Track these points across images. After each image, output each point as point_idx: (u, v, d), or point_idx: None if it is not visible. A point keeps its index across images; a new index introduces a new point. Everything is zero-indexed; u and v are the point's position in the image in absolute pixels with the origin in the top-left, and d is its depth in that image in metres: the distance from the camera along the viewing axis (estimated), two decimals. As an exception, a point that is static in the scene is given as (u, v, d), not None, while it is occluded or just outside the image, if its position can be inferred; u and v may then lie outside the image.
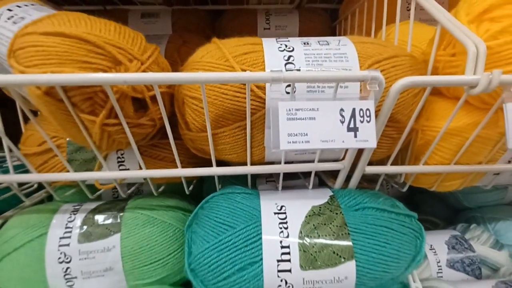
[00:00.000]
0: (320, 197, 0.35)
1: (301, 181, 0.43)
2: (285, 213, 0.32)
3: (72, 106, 0.25)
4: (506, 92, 0.27)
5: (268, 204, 0.33)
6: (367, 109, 0.26)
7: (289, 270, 0.29)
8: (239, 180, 0.43)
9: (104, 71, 0.25)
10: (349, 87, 0.28)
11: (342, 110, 0.25)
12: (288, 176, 0.45)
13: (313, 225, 0.31)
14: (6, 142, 0.32)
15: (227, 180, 0.46)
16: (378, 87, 0.25)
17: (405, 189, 0.41)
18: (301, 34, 0.67)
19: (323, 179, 0.43)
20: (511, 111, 0.26)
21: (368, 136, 0.25)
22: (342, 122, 0.25)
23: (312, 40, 0.31)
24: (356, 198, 0.35)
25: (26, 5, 0.32)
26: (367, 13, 0.50)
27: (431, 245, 0.50)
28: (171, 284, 0.41)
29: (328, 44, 0.30)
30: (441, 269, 0.47)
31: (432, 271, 0.47)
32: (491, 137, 0.32)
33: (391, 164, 0.36)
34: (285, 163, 0.33)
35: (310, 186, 0.38)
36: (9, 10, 0.31)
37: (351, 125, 0.25)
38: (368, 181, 0.49)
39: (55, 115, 0.27)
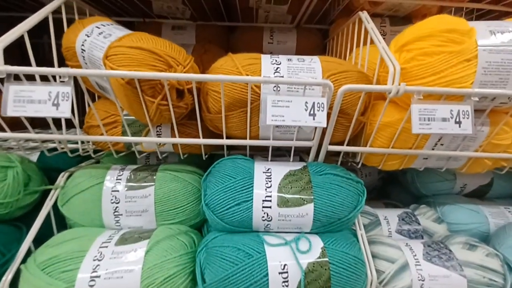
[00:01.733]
0: (297, 166, 0.51)
1: (287, 158, 0.58)
2: (270, 172, 0.47)
3: (141, 91, 0.42)
4: (412, 98, 0.42)
5: (260, 166, 0.49)
6: (322, 103, 0.41)
7: (270, 207, 0.44)
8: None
9: (163, 71, 0.42)
10: (314, 89, 0.44)
11: (306, 102, 0.41)
12: (278, 156, 0.61)
13: (289, 181, 0.47)
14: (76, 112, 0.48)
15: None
16: (328, 90, 0.41)
17: (359, 166, 0.56)
18: (298, 48, 0.83)
19: (303, 158, 0.58)
20: (415, 109, 0.42)
21: (321, 119, 0.41)
22: (306, 110, 0.41)
23: (294, 57, 0.47)
24: (321, 167, 0.50)
25: (108, 25, 0.49)
26: (346, 36, 0.66)
27: (385, 216, 0.65)
28: (188, 225, 0.56)
29: (304, 61, 0.47)
30: (391, 233, 0.62)
31: (383, 234, 0.61)
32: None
33: (347, 145, 0.51)
34: (275, 140, 0.49)
35: (291, 159, 0.53)
36: (97, 27, 0.48)
37: (312, 112, 0.41)
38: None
39: (129, 97, 0.43)
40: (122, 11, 0.82)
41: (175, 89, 0.44)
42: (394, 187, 0.89)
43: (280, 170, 0.48)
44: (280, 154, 0.61)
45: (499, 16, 0.71)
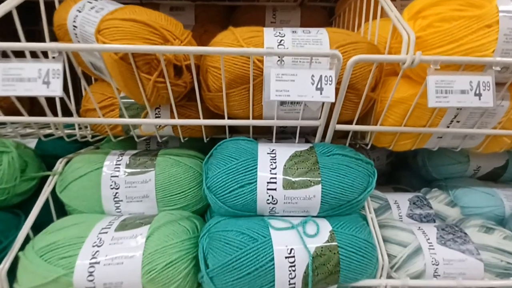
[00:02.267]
0: (303, 146, 0.48)
1: (292, 141, 0.55)
2: (275, 154, 0.45)
3: (136, 68, 0.39)
4: (428, 69, 0.39)
5: (264, 147, 0.46)
6: (330, 76, 0.38)
7: (275, 189, 0.42)
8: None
9: (158, 45, 0.39)
10: (321, 62, 0.41)
11: (313, 76, 0.38)
12: (283, 138, 0.58)
13: (294, 162, 0.44)
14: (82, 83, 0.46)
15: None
16: (337, 61, 0.38)
17: (368, 147, 0.53)
18: (302, 27, 0.79)
19: (309, 140, 0.56)
20: (431, 81, 0.39)
21: (329, 94, 0.38)
22: (313, 84, 0.38)
23: (299, 29, 0.44)
24: (328, 148, 0.47)
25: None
26: (353, 11, 0.62)
27: (395, 200, 0.62)
28: (190, 211, 0.54)
29: (309, 32, 0.43)
30: (401, 218, 0.59)
31: (395, 218, 0.59)
32: (427, 104, 0.44)
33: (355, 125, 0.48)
34: (279, 120, 0.46)
35: (296, 140, 0.51)
36: (89, 2, 0.46)
37: (319, 86, 0.38)
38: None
39: (123, 74, 0.40)
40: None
41: (172, 65, 0.41)
42: (404, 172, 0.86)
43: (285, 151, 0.46)
44: (284, 137, 0.58)
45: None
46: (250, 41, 0.42)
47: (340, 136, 0.58)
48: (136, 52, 0.37)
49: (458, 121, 0.47)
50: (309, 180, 0.42)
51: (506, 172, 0.71)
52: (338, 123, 0.47)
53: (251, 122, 0.46)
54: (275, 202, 0.42)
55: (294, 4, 0.81)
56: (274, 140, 0.50)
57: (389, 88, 0.47)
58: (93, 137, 0.61)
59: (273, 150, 0.45)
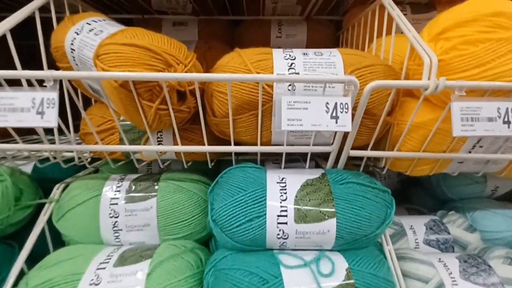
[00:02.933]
0: (314, 173, 0.45)
1: (301, 164, 0.52)
2: (285, 182, 0.42)
3: (137, 95, 0.37)
4: (452, 94, 0.36)
5: (273, 176, 0.43)
6: (346, 103, 0.35)
7: (286, 223, 0.39)
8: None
9: (161, 71, 0.36)
10: (335, 88, 0.38)
11: (327, 103, 0.35)
12: (291, 160, 0.55)
13: (306, 192, 0.41)
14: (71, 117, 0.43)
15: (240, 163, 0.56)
16: (353, 87, 0.35)
17: (384, 172, 0.50)
18: (309, 41, 0.77)
19: (319, 163, 0.53)
20: (456, 108, 0.36)
21: (345, 123, 0.35)
22: (327, 112, 0.35)
23: (310, 51, 0.41)
24: (342, 175, 0.44)
25: (100, 21, 0.44)
26: (364, 26, 0.59)
27: (411, 226, 0.58)
28: (194, 240, 0.51)
29: (322, 54, 0.40)
30: (418, 245, 0.56)
31: (410, 246, 0.55)
32: (449, 129, 0.41)
33: (371, 150, 0.45)
34: (289, 145, 0.44)
35: (307, 166, 0.48)
36: (88, 24, 0.43)
37: (334, 114, 0.35)
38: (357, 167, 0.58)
39: (123, 101, 0.38)
40: (119, 7, 0.77)
41: (175, 91, 0.38)
42: (416, 190, 0.82)
43: (295, 179, 0.43)
44: (293, 159, 0.55)
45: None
46: (258, 64, 0.39)
47: (352, 157, 0.55)
48: (137, 79, 0.34)
49: (481, 146, 0.44)
50: (322, 212, 0.39)
51: (525, 192, 0.67)
52: (352, 148, 0.45)
53: (259, 148, 0.43)
54: (286, 237, 0.39)
55: (300, 18, 0.79)
56: (283, 166, 0.47)
57: (406, 111, 0.44)
58: (92, 161, 0.58)
59: (282, 179, 0.42)
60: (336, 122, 0.35)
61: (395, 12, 0.45)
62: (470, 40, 0.36)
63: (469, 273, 0.45)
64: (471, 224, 0.60)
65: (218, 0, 0.72)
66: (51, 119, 0.34)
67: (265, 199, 0.40)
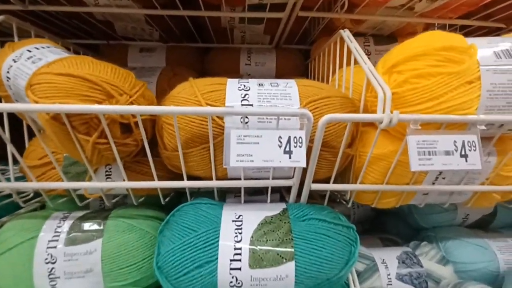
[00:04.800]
0: (275, 209, 0.42)
1: (264, 197, 0.49)
2: (241, 221, 0.38)
3: (72, 128, 0.33)
4: (408, 128, 0.35)
5: (229, 213, 0.40)
6: (300, 137, 0.33)
7: (239, 268, 0.35)
8: (211, 194, 0.50)
9: (100, 103, 0.33)
10: (291, 120, 0.36)
11: (280, 137, 0.33)
12: (255, 192, 0.52)
13: (264, 231, 0.38)
14: (11, 151, 0.39)
15: (201, 194, 0.52)
16: (307, 121, 0.33)
17: (349, 205, 0.47)
18: (278, 69, 0.77)
19: (284, 195, 0.50)
20: (412, 142, 0.34)
21: (299, 158, 0.33)
22: (280, 146, 0.33)
23: (266, 82, 0.40)
24: (304, 211, 0.41)
25: (43, 47, 0.41)
26: (327, 57, 0.60)
27: (383, 259, 0.55)
28: (144, 287, 0.45)
29: (278, 85, 0.39)
30: (391, 281, 0.52)
31: (383, 283, 0.52)
32: (408, 161, 0.39)
33: (334, 182, 0.43)
34: (247, 179, 0.41)
35: (268, 200, 0.45)
36: (29, 51, 0.40)
37: (287, 149, 0.33)
38: (324, 197, 0.56)
39: (57, 134, 0.34)
40: (84, 33, 0.75)
41: (118, 124, 0.35)
42: (390, 218, 0.80)
43: (254, 216, 0.39)
44: (258, 190, 0.52)
45: (488, 33, 0.67)
46: (209, 96, 0.37)
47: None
48: (68, 112, 0.31)
49: (443, 178, 0.43)
50: (280, 255, 0.35)
51: (495, 219, 0.67)
52: (314, 181, 0.42)
53: (214, 183, 0.40)
54: (240, 284, 0.35)
55: (269, 47, 0.79)
56: (242, 201, 0.44)
57: (367, 142, 0.42)
58: (37, 195, 0.53)
59: (239, 217, 0.39)
60: (290, 157, 0.33)
61: (353, 44, 0.46)
62: (422, 74, 0.36)
63: (442, 315, 0.42)
64: (444, 255, 0.58)
65: (185, 28, 0.71)
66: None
67: (218, 241, 0.36)
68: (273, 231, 0.38)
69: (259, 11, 0.56)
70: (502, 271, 0.57)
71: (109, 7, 0.53)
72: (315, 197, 0.50)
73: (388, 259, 0.55)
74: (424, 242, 0.60)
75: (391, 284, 0.52)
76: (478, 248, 0.59)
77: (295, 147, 0.33)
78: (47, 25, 0.66)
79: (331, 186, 0.42)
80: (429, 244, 0.60)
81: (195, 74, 0.71)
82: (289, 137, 0.33)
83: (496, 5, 0.56)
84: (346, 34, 0.49)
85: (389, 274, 0.53)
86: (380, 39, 0.69)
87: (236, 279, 0.35)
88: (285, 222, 0.39)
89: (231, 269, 0.35)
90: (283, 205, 0.43)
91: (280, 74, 0.76)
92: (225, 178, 0.42)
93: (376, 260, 0.55)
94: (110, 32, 0.71)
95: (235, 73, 0.76)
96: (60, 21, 0.66)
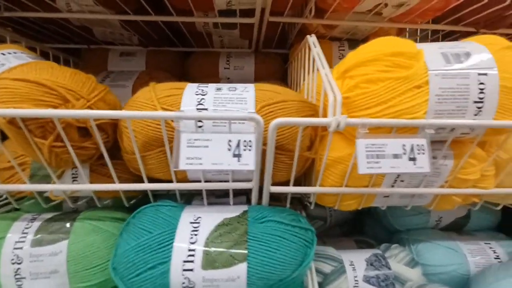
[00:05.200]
0: (235, 211, 0.42)
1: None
2: (199, 222, 0.39)
3: (28, 132, 0.34)
4: (357, 132, 0.36)
5: (188, 215, 0.40)
6: (250, 141, 0.34)
7: (192, 270, 0.35)
8: (185, 196, 0.51)
9: (55, 107, 0.34)
10: (245, 124, 0.37)
11: (230, 140, 0.34)
12: (225, 195, 0.53)
13: (220, 233, 0.39)
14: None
15: (171, 197, 0.53)
16: (256, 125, 0.34)
17: (312, 207, 0.48)
18: (257, 73, 0.78)
19: (250, 198, 0.50)
20: (360, 146, 0.35)
21: (248, 161, 0.34)
22: (229, 150, 0.34)
23: (225, 86, 0.41)
24: (263, 213, 0.42)
25: (9, 53, 0.42)
26: (299, 61, 0.61)
27: (351, 262, 0.56)
28: None
29: (235, 90, 0.40)
30: (357, 283, 0.53)
31: (349, 285, 0.52)
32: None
33: (295, 185, 0.44)
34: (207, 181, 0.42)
35: (231, 203, 0.45)
36: (-5, 57, 0.41)
37: (236, 152, 0.34)
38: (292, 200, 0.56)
39: (16, 138, 0.35)
40: (67, 38, 0.76)
41: (75, 127, 0.36)
42: (368, 221, 0.81)
43: (211, 219, 0.40)
44: (227, 193, 0.52)
45: (462, 37, 0.68)
46: (165, 100, 0.38)
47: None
48: (21, 116, 0.32)
49: (402, 181, 0.44)
50: (232, 256, 0.36)
51: (469, 222, 0.68)
52: (276, 184, 0.43)
53: (175, 186, 0.41)
54: (192, 285, 0.35)
55: (248, 51, 0.81)
56: (205, 203, 0.45)
57: (325, 145, 0.43)
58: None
59: (197, 219, 0.40)
60: (239, 161, 0.34)
61: (316, 49, 0.47)
62: (372, 79, 0.36)
63: (399, 317, 0.42)
64: (414, 258, 0.59)
65: (165, 32, 0.72)
66: None
67: (172, 243, 0.36)
68: (229, 232, 0.39)
69: (230, 17, 0.58)
70: (473, 274, 0.58)
71: (81, 13, 0.54)
72: (281, 200, 0.51)
73: (356, 261, 0.56)
74: (394, 245, 0.61)
75: (357, 286, 0.52)
76: (449, 250, 0.59)
77: (245, 150, 0.34)
78: (27, 30, 0.68)
79: (290, 189, 0.43)
80: (399, 247, 0.60)
81: (174, 78, 0.72)
82: (239, 141, 0.34)
83: (463, 9, 0.57)
84: (311, 39, 0.50)
85: (356, 276, 0.53)
86: (355, 43, 0.70)
87: (189, 280, 0.35)
88: (242, 224, 0.40)
89: (183, 270, 0.35)
90: (244, 208, 0.44)
91: (259, 78, 0.77)
92: (185, 180, 0.43)
93: (345, 262, 0.55)
94: (90, 37, 0.73)
95: (215, 77, 0.77)
96: (39, 27, 0.68)
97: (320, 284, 0.52)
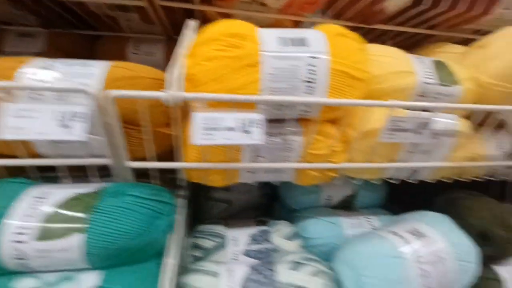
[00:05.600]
0: (93, 188, 0.43)
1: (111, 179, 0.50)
2: (43, 198, 0.39)
3: None
4: (193, 105, 0.38)
5: (35, 191, 0.40)
6: (81, 112, 0.35)
7: (25, 242, 0.35)
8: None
9: None
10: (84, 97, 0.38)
11: (59, 112, 0.34)
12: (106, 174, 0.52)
13: (66, 207, 0.39)
14: None
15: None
16: (87, 96, 0.35)
17: (182, 183, 0.50)
18: (167, 60, 0.78)
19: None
20: (196, 118, 0.38)
21: (78, 132, 0.34)
22: (58, 121, 0.34)
23: (78, 62, 0.41)
24: (120, 188, 0.43)
25: None
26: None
27: (235, 237, 0.59)
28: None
29: (85, 66, 0.40)
30: (236, 256, 0.56)
31: (227, 258, 0.55)
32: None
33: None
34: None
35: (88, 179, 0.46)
36: None
37: (64, 123, 0.34)
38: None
39: None
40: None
41: None
42: (277, 204, 0.85)
43: (63, 194, 0.40)
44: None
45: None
46: (3, 73, 0.37)
47: (165, 171, 0.54)
48: None
49: (263, 157, 0.48)
50: (69, 228, 0.37)
51: (356, 200, 0.74)
52: (137, 159, 0.44)
53: (24, 161, 0.40)
54: (25, 257, 0.35)
55: (160, 37, 0.81)
56: (62, 180, 0.45)
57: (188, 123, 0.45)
58: None
59: (45, 194, 0.40)
60: (68, 132, 0.34)
61: (186, 32, 0.49)
62: (210, 57, 0.39)
63: (253, 280, 0.45)
64: (296, 232, 0.63)
65: (67, 13, 0.70)
66: None
67: (2, 217, 0.36)
68: (76, 206, 0.39)
69: (118, -1, 0.57)
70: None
71: None
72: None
73: (240, 237, 0.59)
74: (281, 221, 0.65)
75: (236, 259, 0.56)
76: (328, 224, 0.65)
77: (75, 121, 0.35)
78: None
79: (148, 164, 0.44)
80: (285, 223, 0.65)
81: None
82: (68, 112, 0.35)
83: (341, 4, 0.62)
84: (191, 23, 0.52)
85: (236, 251, 0.57)
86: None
87: (21, 251, 0.35)
88: (93, 198, 0.40)
89: (15, 241, 0.35)
90: (106, 185, 0.44)
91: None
92: (36, 156, 0.42)
93: (228, 238, 0.58)
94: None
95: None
96: None
97: (200, 258, 0.55)
